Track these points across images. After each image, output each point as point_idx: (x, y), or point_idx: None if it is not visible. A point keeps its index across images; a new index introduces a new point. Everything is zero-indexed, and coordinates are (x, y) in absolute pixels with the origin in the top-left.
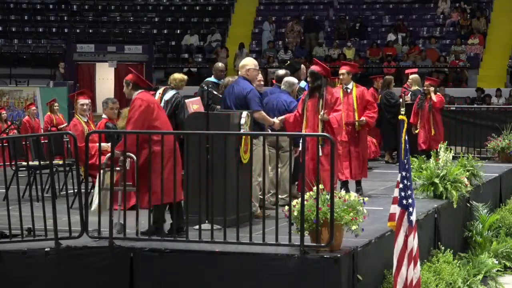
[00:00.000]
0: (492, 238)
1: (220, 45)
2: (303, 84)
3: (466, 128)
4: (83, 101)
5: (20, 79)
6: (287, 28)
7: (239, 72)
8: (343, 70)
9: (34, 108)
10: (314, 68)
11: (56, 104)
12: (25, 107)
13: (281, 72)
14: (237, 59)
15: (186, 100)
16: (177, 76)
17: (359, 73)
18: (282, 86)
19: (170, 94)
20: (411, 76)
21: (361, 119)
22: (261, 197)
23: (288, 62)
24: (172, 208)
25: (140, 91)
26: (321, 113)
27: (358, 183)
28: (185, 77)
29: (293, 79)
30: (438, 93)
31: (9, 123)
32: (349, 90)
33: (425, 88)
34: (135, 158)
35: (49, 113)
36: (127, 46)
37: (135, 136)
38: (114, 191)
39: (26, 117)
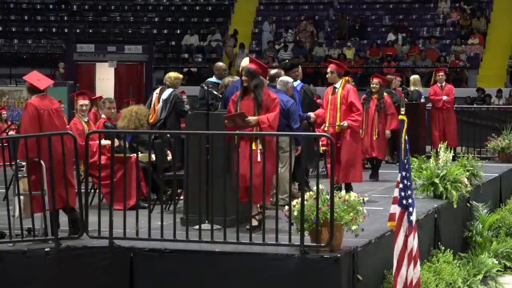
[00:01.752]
0: (492, 238)
1: (232, 35)
2: (295, 83)
3: (466, 128)
4: (83, 101)
5: (20, 79)
6: (300, 27)
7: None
8: (328, 68)
9: None
10: (250, 66)
11: (62, 105)
12: None
13: (273, 71)
14: (237, 59)
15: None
16: (172, 74)
17: (359, 73)
18: (278, 86)
19: (167, 93)
20: (411, 77)
21: (342, 123)
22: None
23: (287, 61)
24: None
25: (34, 96)
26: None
27: (347, 188)
28: (180, 75)
29: (287, 78)
30: (386, 93)
31: (9, 123)
32: (336, 90)
33: (372, 86)
34: (44, 164)
35: None
36: (127, 46)
37: (34, 140)
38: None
39: None
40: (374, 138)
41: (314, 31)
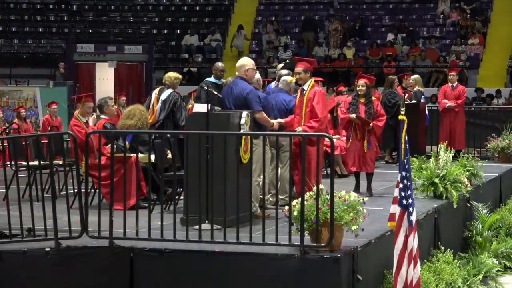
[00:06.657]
0: (492, 238)
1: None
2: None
3: (466, 128)
4: (90, 104)
5: (20, 79)
6: (329, 27)
7: (237, 72)
8: (298, 68)
9: (55, 106)
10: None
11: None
12: (46, 105)
13: (284, 72)
14: (236, 40)
15: (195, 104)
16: (172, 74)
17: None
18: (280, 85)
19: (166, 93)
20: (412, 77)
21: (296, 128)
22: (261, 197)
23: (287, 61)
24: None
25: None
26: None
27: None
28: (180, 76)
29: (290, 78)
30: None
31: (28, 121)
32: (304, 92)
33: (358, 88)
34: None
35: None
36: (127, 46)
37: None
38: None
39: (47, 116)
40: (365, 151)
41: (345, 32)
